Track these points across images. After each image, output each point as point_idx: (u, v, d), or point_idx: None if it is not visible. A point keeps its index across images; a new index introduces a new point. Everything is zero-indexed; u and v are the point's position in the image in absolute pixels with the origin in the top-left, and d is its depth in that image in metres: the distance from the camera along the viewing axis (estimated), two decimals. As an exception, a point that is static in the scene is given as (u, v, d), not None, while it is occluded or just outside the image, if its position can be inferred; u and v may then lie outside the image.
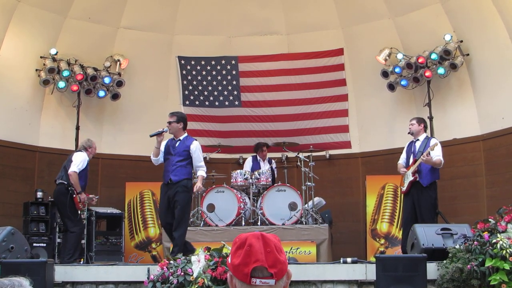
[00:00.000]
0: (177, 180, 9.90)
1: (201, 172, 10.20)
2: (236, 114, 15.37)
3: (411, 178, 10.53)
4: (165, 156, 10.12)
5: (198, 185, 10.22)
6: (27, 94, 13.61)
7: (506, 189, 12.20)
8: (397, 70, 13.70)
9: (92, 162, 12.53)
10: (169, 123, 10.19)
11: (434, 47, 13.22)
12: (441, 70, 13.20)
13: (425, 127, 11.08)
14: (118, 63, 14.39)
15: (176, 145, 10.12)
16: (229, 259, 2.41)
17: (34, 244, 11.97)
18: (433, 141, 10.66)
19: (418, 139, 10.89)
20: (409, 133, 10.95)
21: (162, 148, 10.12)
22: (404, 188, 10.69)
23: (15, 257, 9.17)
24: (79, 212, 11.20)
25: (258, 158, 13.58)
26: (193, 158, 10.06)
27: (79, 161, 10.94)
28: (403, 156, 10.99)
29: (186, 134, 10.27)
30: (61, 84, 13.58)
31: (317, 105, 15.09)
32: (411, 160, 10.74)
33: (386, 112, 14.45)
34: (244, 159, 14.16)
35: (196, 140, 10.33)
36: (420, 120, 11.05)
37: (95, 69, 14.00)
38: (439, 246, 8.82)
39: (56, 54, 13.59)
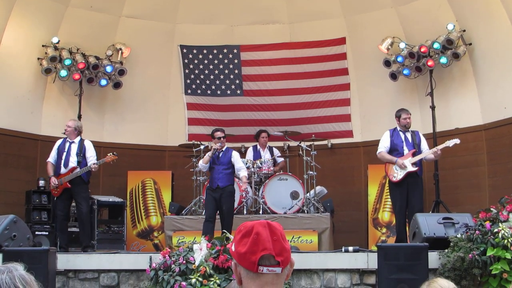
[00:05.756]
0: (224, 185, 11.14)
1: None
2: (238, 103, 15.37)
3: (411, 168, 10.53)
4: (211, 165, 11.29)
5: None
6: (29, 83, 13.61)
7: (508, 178, 12.20)
8: (399, 59, 13.68)
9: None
10: (224, 137, 11.40)
11: (437, 36, 13.18)
12: (443, 60, 13.17)
13: None
14: (120, 51, 14.38)
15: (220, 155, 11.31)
16: (232, 247, 2.40)
17: (37, 233, 11.99)
18: (424, 141, 10.84)
19: (407, 130, 10.90)
20: (405, 126, 10.91)
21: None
22: (398, 177, 10.58)
23: (17, 245, 9.20)
24: (54, 198, 11.26)
25: (258, 147, 13.54)
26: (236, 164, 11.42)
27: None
28: (386, 145, 10.91)
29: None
30: (63, 72, 13.58)
31: (319, 94, 15.07)
32: (405, 151, 10.71)
33: (388, 101, 14.41)
34: (246, 148, 14.15)
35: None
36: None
37: (97, 58, 14.00)
38: (440, 235, 8.85)
39: (58, 42, 13.59)
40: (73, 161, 10.98)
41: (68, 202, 11.13)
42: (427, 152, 10.70)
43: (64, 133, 11.21)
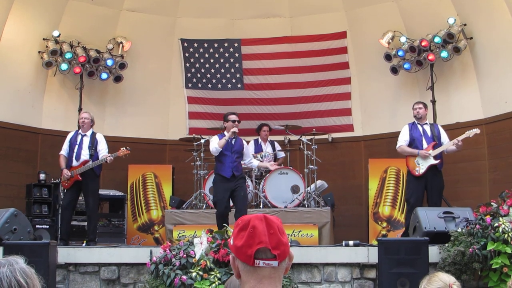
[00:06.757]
0: (239, 174, 10.70)
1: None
2: (239, 97, 15.36)
3: (433, 161, 10.52)
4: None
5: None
6: (30, 76, 13.61)
7: (508, 173, 12.20)
8: (400, 53, 13.67)
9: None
10: (239, 122, 10.89)
11: (438, 30, 13.17)
12: (444, 54, 13.16)
13: None
14: (121, 45, 14.37)
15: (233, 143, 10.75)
16: (231, 241, 2.41)
17: (37, 226, 12.01)
18: (444, 133, 10.81)
19: (426, 123, 10.93)
20: (415, 116, 10.95)
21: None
22: (422, 171, 10.56)
23: (18, 239, 9.21)
24: (64, 190, 11.27)
25: (260, 141, 13.55)
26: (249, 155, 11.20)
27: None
28: (406, 138, 10.92)
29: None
30: (64, 66, 13.58)
31: (320, 88, 15.07)
32: (424, 144, 10.71)
33: (389, 96, 14.42)
34: (247, 142, 14.13)
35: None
36: (426, 105, 11.13)
37: (98, 51, 14.00)
38: (441, 230, 8.85)
39: (58, 36, 13.58)
40: (85, 154, 11.00)
41: (76, 195, 11.15)
42: (447, 144, 10.69)
43: (82, 126, 11.20)
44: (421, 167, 10.61)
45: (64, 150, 11.13)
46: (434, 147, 10.66)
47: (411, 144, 10.86)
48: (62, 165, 11.03)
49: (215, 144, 10.59)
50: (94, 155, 11.01)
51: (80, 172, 10.84)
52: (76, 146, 11.03)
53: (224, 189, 10.50)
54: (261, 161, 12.60)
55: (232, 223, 9.93)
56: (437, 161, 10.58)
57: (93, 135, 11.20)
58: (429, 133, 10.84)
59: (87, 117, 11.26)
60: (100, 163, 10.98)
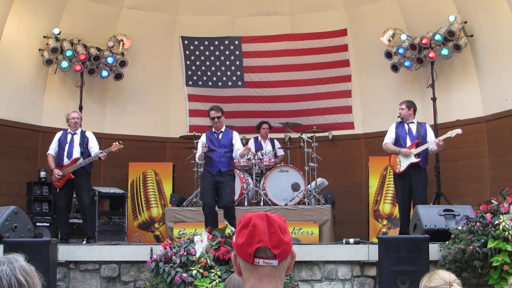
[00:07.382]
0: (226, 170, 10.38)
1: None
2: (239, 94, 15.35)
3: (414, 159, 10.53)
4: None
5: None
6: (30, 74, 13.60)
7: (509, 170, 12.19)
8: (400, 51, 13.65)
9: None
10: (219, 118, 10.47)
11: (438, 28, 13.16)
12: (444, 51, 13.15)
13: (415, 111, 11.11)
14: (121, 43, 14.35)
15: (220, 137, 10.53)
16: (234, 238, 2.41)
17: (38, 224, 12.00)
18: (430, 132, 10.87)
19: (412, 122, 10.92)
20: (399, 117, 10.96)
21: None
22: (402, 168, 10.61)
23: (18, 237, 9.21)
24: (57, 190, 11.23)
25: (259, 139, 13.55)
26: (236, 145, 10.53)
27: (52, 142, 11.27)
28: (391, 136, 10.96)
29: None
30: (64, 64, 13.58)
31: (320, 85, 15.06)
32: (408, 142, 10.73)
33: (390, 93, 14.40)
34: (248, 140, 14.14)
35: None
36: (410, 105, 11.08)
37: (98, 49, 13.98)
38: (441, 227, 8.85)
39: (59, 34, 13.57)
40: (76, 152, 11.00)
41: (71, 193, 11.14)
42: (430, 143, 10.69)
43: (75, 126, 11.18)
44: (402, 164, 10.65)
45: (52, 150, 11.14)
46: (417, 146, 10.67)
47: (396, 142, 10.90)
48: (51, 165, 11.05)
49: (196, 155, 10.84)
50: (85, 152, 11.04)
51: (72, 170, 10.84)
52: (67, 145, 11.03)
53: (209, 182, 10.26)
54: (261, 159, 12.63)
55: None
56: (418, 160, 10.58)
57: (83, 133, 11.22)
58: (414, 132, 10.85)
59: (78, 116, 11.30)
60: (92, 160, 10.98)
